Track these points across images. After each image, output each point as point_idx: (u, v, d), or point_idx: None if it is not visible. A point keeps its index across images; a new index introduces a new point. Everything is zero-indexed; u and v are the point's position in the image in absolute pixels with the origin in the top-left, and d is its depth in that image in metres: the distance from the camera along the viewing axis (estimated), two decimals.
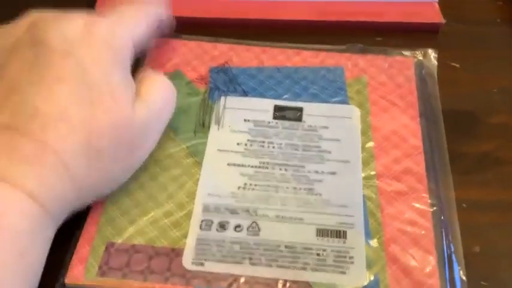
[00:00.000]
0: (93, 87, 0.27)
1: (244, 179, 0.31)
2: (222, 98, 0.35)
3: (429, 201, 0.30)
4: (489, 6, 0.43)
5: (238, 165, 0.32)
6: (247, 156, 0.32)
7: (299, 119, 0.34)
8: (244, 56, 0.38)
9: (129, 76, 0.29)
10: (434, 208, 0.30)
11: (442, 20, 0.41)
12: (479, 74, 0.38)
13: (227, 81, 0.36)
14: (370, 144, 0.33)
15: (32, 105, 0.25)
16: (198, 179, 0.31)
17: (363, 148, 0.33)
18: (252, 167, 0.32)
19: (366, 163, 0.32)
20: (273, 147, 0.33)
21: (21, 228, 0.23)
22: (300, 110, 0.35)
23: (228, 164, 0.32)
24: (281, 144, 0.33)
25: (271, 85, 0.36)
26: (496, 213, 0.31)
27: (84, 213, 0.30)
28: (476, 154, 0.34)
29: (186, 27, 0.39)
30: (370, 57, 0.38)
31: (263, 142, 0.33)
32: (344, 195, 0.30)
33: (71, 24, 0.28)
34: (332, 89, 0.36)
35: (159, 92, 0.30)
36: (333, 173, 0.31)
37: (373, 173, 0.31)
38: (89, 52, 0.27)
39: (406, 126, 0.34)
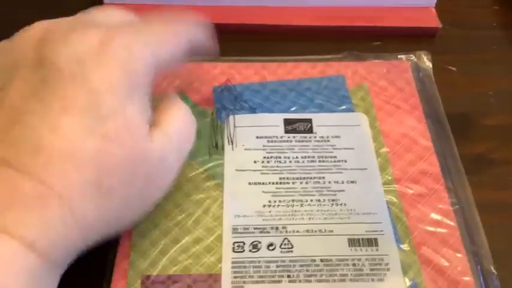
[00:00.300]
0: (106, 119, 0.24)
1: (267, 196, 0.31)
2: (231, 117, 0.35)
3: (450, 200, 0.31)
4: (485, 10, 0.45)
5: (259, 183, 0.32)
6: (266, 173, 0.32)
7: (310, 130, 0.35)
8: (245, 72, 0.38)
9: (147, 103, 0.26)
10: (456, 206, 0.31)
11: (439, 25, 0.42)
12: (475, 77, 0.40)
13: (232, 100, 0.36)
14: (384, 149, 0.34)
15: (35, 139, 0.23)
16: (221, 202, 0.31)
17: (377, 154, 0.33)
18: (273, 183, 0.32)
19: (382, 169, 0.33)
20: (290, 161, 0.33)
21: (18, 285, 0.21)
22: (310, 121, 0.35)
23: (249, 183, 0.32)
24: (297, 157, 0.33)
25: (277, 99, 0.36)
26: (490, 214, 0.32)
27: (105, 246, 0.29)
28: (471, 156, 0.35)
29: None
30: (368, 63, 0.39)
31: (279, 157, 0.33)
32: (368, 203, 0.31)
33: (84, 42, 0.25)
34: (337, 98, 0.36)
35: (180, 124, 0.29)
36: (353, 182, 0.32)
37: (390, 177, 0.32)
38: (103, 77, 0.24)
39: (414, 128, 0.35)
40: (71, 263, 0.25)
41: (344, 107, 0.36)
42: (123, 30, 0.26)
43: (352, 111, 0.36)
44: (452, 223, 0.30)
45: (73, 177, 0.23)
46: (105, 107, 0.24)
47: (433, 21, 0.42)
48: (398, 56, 0.39)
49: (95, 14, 0.28)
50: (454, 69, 0.40)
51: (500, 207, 0.33)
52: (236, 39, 0.41)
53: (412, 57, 0.39)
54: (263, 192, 0.32)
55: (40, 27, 0.26)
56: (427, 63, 0.39)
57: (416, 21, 0.42)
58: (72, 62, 0.24)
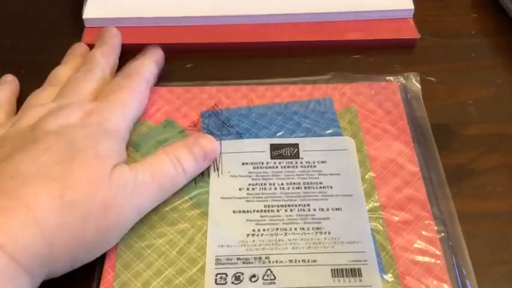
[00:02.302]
0: (78, 151, 0.29)
1: (251, 225, 0.31)
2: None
3: (436, 228, 0.31)
4: (464, 18, 0.44)
5: (244, 211, 0.32)
6: (251, 201, 0.32)
7: (296, 155, 0.34)
8: (233, 96, 0.38)
9: (120, 148, 0.32)
10: (442, 234, 0.31)
11: (417, 36, 0.42)
12: (454, 87, 0.39)
13: (220, 125, 0.36)
14: (370, 174, 0.33)
15: (15, 168, 0.27)
16: (206, 231, 0.31)
17: (363, 179, 0.33)
18: (258, 211, 0.32)
19: (368, 195, 0.32)
20: (275, 188, 0.33)
21: None
22: (296, 146, 0.35)
23: (234, 212, 0.32)
24: (282, 184, 0.33)
25: (264, 124, 0.36)
26: (471, 224, 0.32)
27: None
28: (452, 166, 0.34)
29: (171, 54, 0.40)
30: (356, 85, 0.38)
31: (264, 184, 0.33)
32: (352, 231, 0.31)
33: (70, 115, 0.31)
34: (324, 122, 0.36)
35: (154, 166, 0.31)
36: (338, 209, 0.32)
37: (376, 204, 0.32)
38: (81, 132, 0.30)
39: (401, 152, 0.34)
40: (43, 277, 0.27)
41: (331, 130, 0.36)
42: (99, 106, 0.33)
43: (340, 134, 0.35)
44: (438, 252, 0.30)
45: (40, 191, 0.27)
46: (79, 144, 0.29)
47: (411, 32, 0.42)
48: (387, 78, 0.38)
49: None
50: (433, 79, 0.39)
51: (479, 217, 0.32)
52: (223, 58, 0.41)
53: (401, 78, 0.38)
54: (247, 220, 0.32)
55: (38, 111, 0.32)
56: (416, 83, 0.38)
57: (394, 33, 0.42)
58: (58, 127, 0.30)
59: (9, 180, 0.27)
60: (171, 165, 0.31)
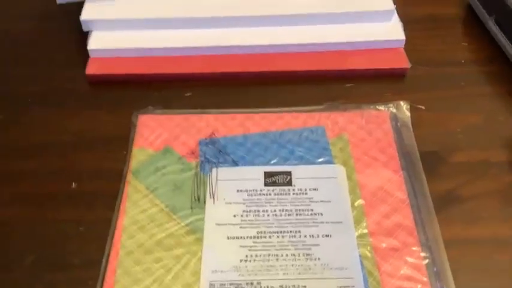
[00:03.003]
0: None
1: (244, 251, 0.33)
2: (214, 170, 0.37)
3: (422, 254, 0.32)
4: (454, 47, 0.46)
5: (237, 237, 0.33)
6: (245, 227, 0.34)
7: (289, 183, 0.36)
8: (229, 124, 0.39)
9: None
10: (427, 261, 0.32)
11: (408, 65, 0.43)
12: (443, 115, 0.41)
13: (216, 153, 0.38)
14: (360, 202, 0.35)
15: None
16: (200, 257, 0.32)
17: (353, 207, 0.34)
18: (251, 237, 0.33)
19: (357, 221, 0.34)
20: (268, 215, 0.34)
21: None
22: (289, 174, 0.36)
23: (228, 238, 0.33)
24: (275, 211, 0.34)
25: (259, 152, 0.38)
26: (457, 250, 0.33)
27: None
28: (439, 192, 0.36)
29: (171, 83, 0.42)
30: (348, 114, 0.40)
31: (258, 211, 0.34)
32: (341, 257, 0.32)
33: None
34: (317, 150, 0.38)
35: None
36: (328, 236, 0.33)
37: (365, 231, 0.33)
38: None
39: (390, 180, 0.36)
40: None
41: (323, 159, 0.37)
42: None
43: (331, 163, 0.37)
44: (423, 278, 0.31)
45: None
46: None
47: (402, 62, 0.44)
48: (378, 107, 0.40)
49: None
50: (422, 107, 0.41)
51: (466, 243, 0.33)
52: (220, 87, 0.43)
53: (391, 106, 0.40)
54: (241, 246, 0.33)
55: None
56: (405, 112, 0.40)
57: (386, 63, 0.44)
58: None
59: None
60: None
